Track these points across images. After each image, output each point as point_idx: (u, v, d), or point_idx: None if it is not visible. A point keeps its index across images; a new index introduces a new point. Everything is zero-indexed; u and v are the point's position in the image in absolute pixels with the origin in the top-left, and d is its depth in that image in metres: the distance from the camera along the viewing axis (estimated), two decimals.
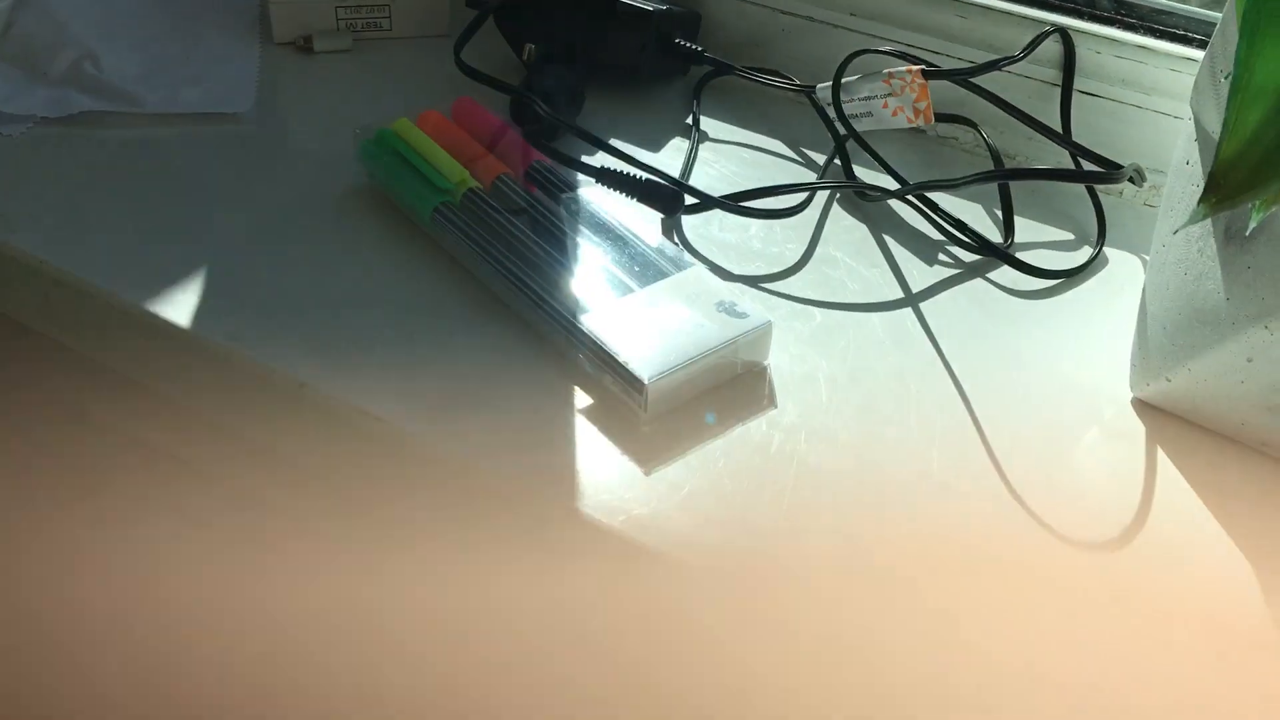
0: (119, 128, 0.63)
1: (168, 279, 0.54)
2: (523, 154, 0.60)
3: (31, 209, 0.57)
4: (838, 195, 0.63)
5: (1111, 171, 0.57)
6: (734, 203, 0.59)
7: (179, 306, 0.53)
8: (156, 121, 0.64)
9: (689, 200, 0.59)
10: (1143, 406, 0.51)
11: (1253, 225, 0.39)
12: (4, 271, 0.57)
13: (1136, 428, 0.50)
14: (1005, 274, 0.58)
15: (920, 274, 0.58)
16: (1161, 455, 0.49)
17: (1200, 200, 0.36)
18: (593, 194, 0.59)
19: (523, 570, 0.50)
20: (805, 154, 0.66)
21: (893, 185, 0.62)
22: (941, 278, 0.58)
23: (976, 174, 0.59)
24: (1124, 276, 0.59)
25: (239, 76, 0.68)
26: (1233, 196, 0.35)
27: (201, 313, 0.53)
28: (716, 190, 0.61)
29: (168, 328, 0.52)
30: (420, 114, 0.61)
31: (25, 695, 0.84)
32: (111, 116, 0.64)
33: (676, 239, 0.59)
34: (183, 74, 0.67)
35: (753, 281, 0.57)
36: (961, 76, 0.62)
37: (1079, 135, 0.63)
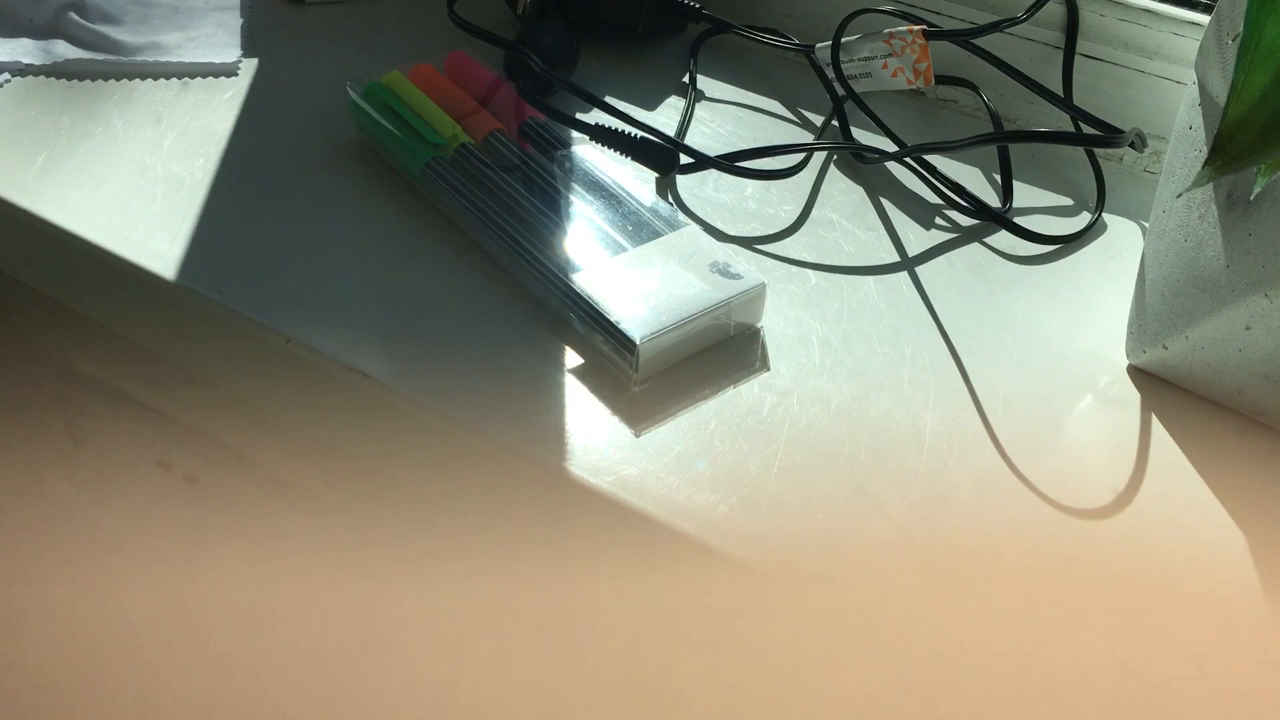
0: (104, 77, 0.62)
1: (153, 231, 0.53)
2: (516, 110, 0.59)
3: (15, 158, 0.56)
4: (835, 157, 0.62)
5: (1112, 135, 0.57)
6: (730, 163, 0.58)
7: (164, 259, 0.52)
8: (143, 71, 0.63)
9: (684, 159, 0.58)
10: (1138, 374, 0.51)
11: (1257, 190, 0.38)
12: None
13: (1132, 395, 0.50)
14: (1003, 239, 0.58)
15: (917, 237, 0.57)
16: (1156, 423, 0.48)
17: (1206, 163, 0.35)
18: (587, 151, 0.58)
19: (508, 529, 0.49)
20: (803, 114, 0.65)
21: (891, 147, 0.61)
22: (938, 241, 0.57)
23: (975, 136, 0.58)
24: (1123, 243, 0.58)
25: (227, 27, 0.66)
26: (1238, 160, 0.35)
27: (187, 265, 0.52)
28: (712, 150, 0.60)
29: (152, 279, 0.52)
30: (413, 67, 0.60)
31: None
32: (97, 65, 0.62)
33: (671, 198, 0.58)
34: (170, 23, 0.66)
35: (747, 243, 0.56)
36: (963, 38, 0.61)
37: (1081, 99, 0.62)
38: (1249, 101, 0.34)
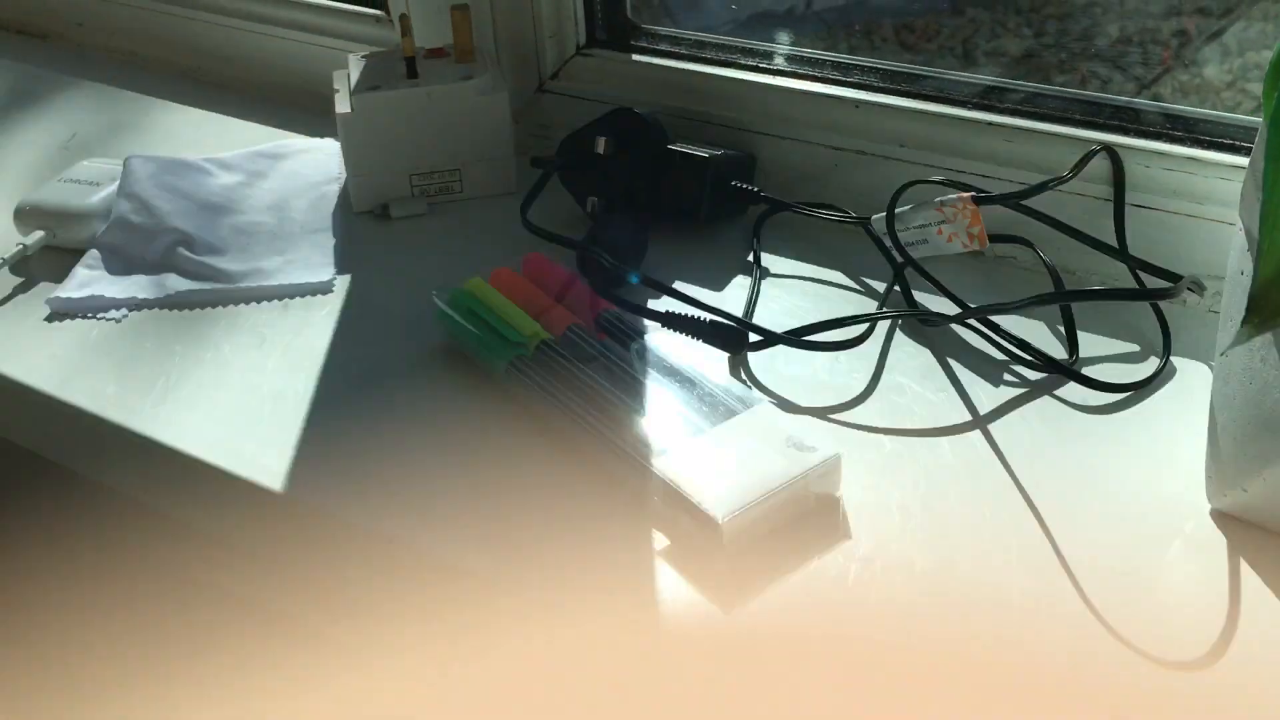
0: (212, 305, 0.67)
1: (262, 446, 0.57)
2: (591, 303, 0.63)
3: (135, 388, 0.61)
4: (900, 322, 0.64)
5: (1169, 287, 0.58)
6: (797, 338, 0.60)
7: (273, 473, 0.55)
8: (247, 296, 0.68)
9: (753, 337, 0.61)
10: (1222, 518, 0.51)
11: None
12: (108, 446, 0.60)
13: (1218, 540, 0.50)
14: (1073, 390, 0.59)
15: (987, 396, 0.58)
16: (1245, 567, 0.48)
17: (1243, 321, 0.36)
18: (660, 338, 0.61)
19: (606, 714, 0.50)
20: (865, 283, 0.68)
21: (953, 310, 0.63)
22: (1008, 398, 0.58)
23: (1035, 296, 0.59)
24: (1194, 385, 0.59)
25: (322, 247, 0.72)
26: (1274, 318, 0.36)
27: (294, 477, 0.55)
28: (781, 324, 0.62)
29: (263, 493, 0.55)
30: (493, 271, 0.64)
31: None
32: (205, 295, 0.68)
33: (744, 375, 0.61)
34: (270, 249, 0.71)
35: (820, 413, 0.58)
36: (1013, 199, 0.64)
37: (1135, 247, 0.64)
38: (1277, 260, 0.35)
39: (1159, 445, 0.55)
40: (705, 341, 0.61)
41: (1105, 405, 0.58)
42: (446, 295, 0.63)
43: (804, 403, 0.59)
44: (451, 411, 0.59)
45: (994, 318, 0.61)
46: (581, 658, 0.49)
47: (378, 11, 0.86)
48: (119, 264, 0.70)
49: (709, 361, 0.59)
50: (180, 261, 0.70)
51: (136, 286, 0.68)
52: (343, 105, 0.73)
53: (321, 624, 0.67)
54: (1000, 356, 0.61)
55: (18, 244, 0.71)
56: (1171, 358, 0.60)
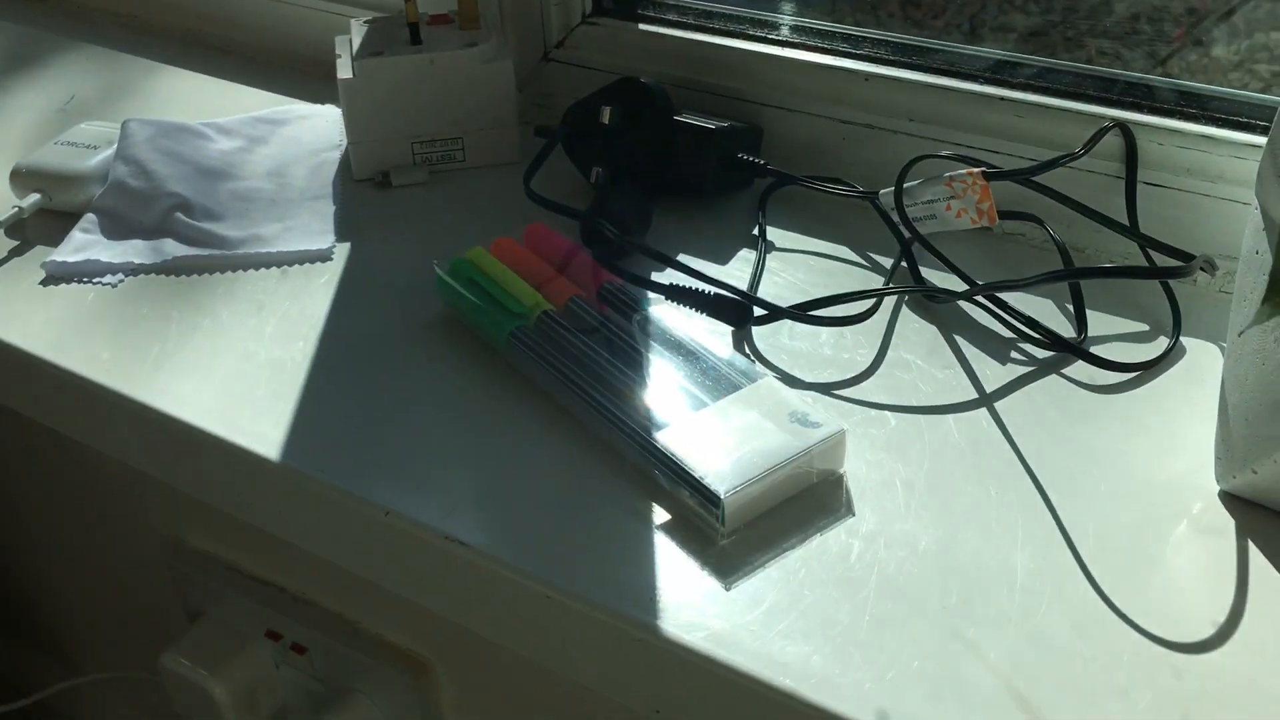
0: (210, 271, 0.66)
1: (258, 414, 0.56)
2: (594, 275, 0.62)
3: (131, 354, 0.60)
4: (906, 298, 0.63)
5: (1181, 266, 0.57)
6: (802, 312, 0.60)
7: (269, 441, 0.55)
8: (245, 262, 0.67)
9: (758, 311, 0.60)
10: (1231, 499, 0.50)
11: None
12: (103, 412, 0.60)
13: (1226, 521, 0.49)
14: (1081, 369, 0.58)
15: (994, 373, 0.58)
16: (1253, 549, 0.48)
17: (1264, 300, 0.36)
18: (663, 311, 0.60)
19: (603, 691, 0.50)
20: (872, 258, 0.67)
21: (960, 286, 0.62)
22: (1015, 376, 0.58)
23: (1045, 274, 0.59)
24: (1203, 366, 0.58)
25: (321, 215, 0.71)
26: None
27: (291, 446, 0.54)
28: (786, 299, 0.61)
29: (259, 461, 0.54)
30: (494, 241, 0.63)
31: None
32: (203, 260, 0.67)
33: (748, 350, 0.60)
34: (269, 215, 0.71)
35: (825, 389, 0.57)
36: (1023, 175, 0.63)
37: (1147, 225, 0.63)
38: None
39: (1167, 425, 0.54)
40: (709, 315, 0.60)
41: (1113, 385, 0.57)
42: (447, 264, 0.62)
43: (808, 378, 0.58)
44: (450, 382, 0.58)
45: (1002, 295, 0.61)
46: (574, 632, 0.49)
47: None
48: (116, 228, 0.69)
49: (712, 335, 0.59)
50: (178, 226, 0.69)
51: (133, 251, 0.67)
52: (345, 70, 0.72)
53: (314, 594, 0.66)
54: (1008, 334, 0.60)
55: (13, 206, 0.70)
56: (1181, 338, 0.59)
